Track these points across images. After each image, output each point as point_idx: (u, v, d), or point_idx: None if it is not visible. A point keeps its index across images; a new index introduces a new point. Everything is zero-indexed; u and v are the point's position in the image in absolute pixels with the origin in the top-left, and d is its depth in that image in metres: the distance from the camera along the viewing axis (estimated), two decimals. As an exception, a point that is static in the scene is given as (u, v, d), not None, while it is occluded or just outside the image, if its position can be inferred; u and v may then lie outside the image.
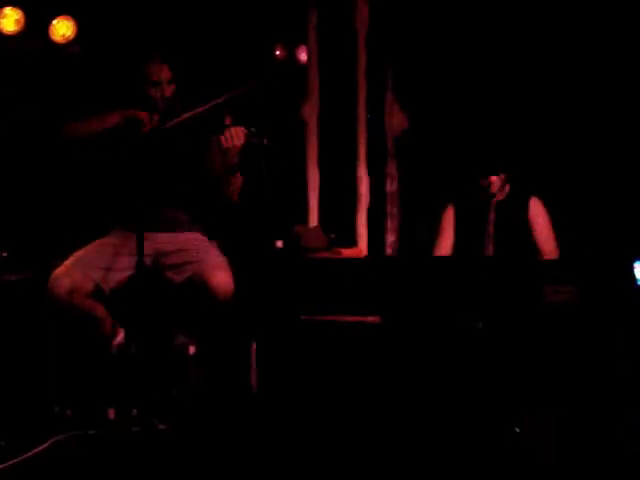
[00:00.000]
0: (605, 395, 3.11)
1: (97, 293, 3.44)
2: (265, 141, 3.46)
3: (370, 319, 3.39)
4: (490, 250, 4.13)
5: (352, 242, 5.00)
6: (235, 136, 3.44)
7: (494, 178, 4.16)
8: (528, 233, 4.16)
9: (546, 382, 3.16)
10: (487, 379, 3.19)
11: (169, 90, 3.55)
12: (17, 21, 4.78)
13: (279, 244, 3.87)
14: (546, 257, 4.08)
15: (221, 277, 3.43)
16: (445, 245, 4.28)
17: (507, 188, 4.24)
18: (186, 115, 3.33)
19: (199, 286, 3.43)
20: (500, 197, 4.22)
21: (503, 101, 4.82)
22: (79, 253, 3.50)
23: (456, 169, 4.63)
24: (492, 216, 4.18)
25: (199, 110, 3.35)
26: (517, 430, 2.83)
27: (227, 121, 3.47)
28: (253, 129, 3.46)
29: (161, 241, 3.56)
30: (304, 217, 5.12)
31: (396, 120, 5.22)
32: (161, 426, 3.31)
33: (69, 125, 3.55)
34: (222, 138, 3.45)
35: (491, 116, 4.85)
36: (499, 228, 4.15)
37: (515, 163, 4.23)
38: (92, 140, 3.50)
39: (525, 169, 4.34)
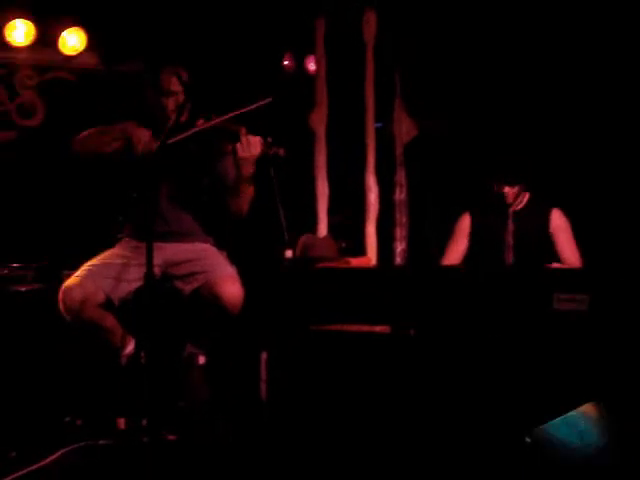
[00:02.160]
0: (616, 403, 3.10)
1: (108, 304, 3.45)
2: (281, 151, 3.46)
3: (380, 329, 3.38)
4: (509, 260, 4.11)
5: (361, 251, 5.00)
6: (252, 146, 3.43)
7: (507, 189, 4.13)
8: (548, 244, 4.13)
9: (556, 390, 3.15)
10: (497, 388, 3.18)
11: (182, 100, 3.56)
12: (28, 33, 4.81)
13: (289, 254, 3.88)
14: (566, 264, 4.06)
15: (231, 287, 3.43)
16: (456, 252, 4.25)
17: (525, 198, 4.21)
18: (202, 127, 3.33)
19: (209, 296, 3.43)
20: (518, 207, 4.19)
21: (515, 106, 4.81)
22: (90, 264, 3.51)
23: (469, 177, 4.61)
24: (511, 226, 4.14)
25: (215, 122, 3.36)
26: (528, 440, 2.81)
27: (242, 130, 3.46)
28: (269, 139, 3.45)
29: (171, 251, 3.56)
30: (313, 226, 5.13)
31: (405, 128, 5.23)
32: (171, 436, 3.31)
33: (78, 139, 3.57)
34: (238, 147, 3.44)
35: (501, 124, 4.83)
36: (518, 238, 4.12)
37: (528, 174, 4.19)
38: (101, 153, 3.51)
39: (542, 179, 4.30)
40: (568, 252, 4.11)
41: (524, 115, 4.78)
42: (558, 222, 4.14)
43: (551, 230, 4.14)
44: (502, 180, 4.11)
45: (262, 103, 3.29)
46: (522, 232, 4.12)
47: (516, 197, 4.15)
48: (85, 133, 3.56)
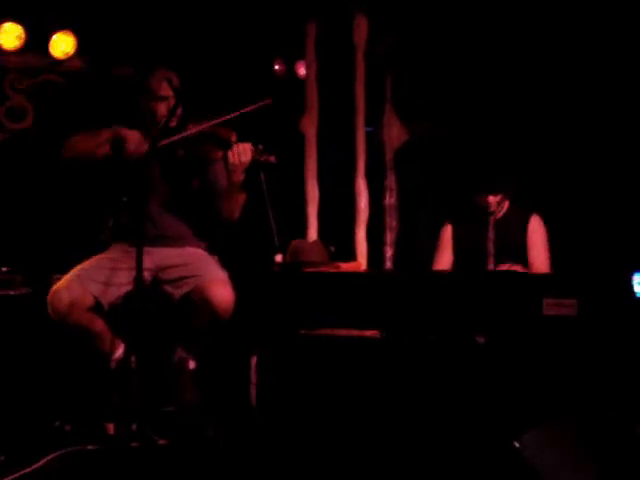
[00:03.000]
0: (605, 406, 3.11)
1: (97, 308, 3.44)
2: (272, 159, 3.46)
3: (369, 333, 3.39)
4: (491, 268, 4.12)
5: (351, 256, 5.00)
6: (243, 153, 3.43)
7: (491, 198, 4.14)
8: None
9: (546, 395, 3.16)
10: (486, 393, 3.19)
11: (173, 104, 3.55)
12: (17, 37, 4.80)
13: (279, 258, 3.88)
14: (534, 272, 4.08)
15: (221, 292, 3.43)
16: (444, 263, 4.28)
17: (505, 205, 4.23)
18: (192, 131, 3.33)
19: (199, 301, 3.43)
20: (499, 215, 4.21)
21: (504, 112, 4.83)
22: (79, 268, 3.50)
23: (453, 186, 4.63)
24: (491, 234, 4.16)
25: (205, 126, 3.36)
26: (516, 445, 2.82)
27: (233, 137, 3.45)
28: (260, 146, 3.45)
29: (161, 256, 3.56)
30: (303, 231, 5.13)
31: (395, 133, 5.23)
32: (160, 441, 3.31)
33: (68, 143, 3.56)
34: (229, 154, 3.44)
35: (490, 128, 4.85)
36: (499, 246, 4.14)
37: (512, 183, 4.21)
38: (91, 157, 3.51)
39: (524, 187, 4.32)
40: (537, 256, 4.12)
41: (513, 121, 4.80)
42: (533, 227, 4.16)
43: (527, 234, 4.16)
44: (485, 190, 4.13)
45: (259, 105, 3.30)
46: (503, 240, 4.14)
47: (498, 205, 4.17)
48: (74, 138, 3.55)
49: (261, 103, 3.32)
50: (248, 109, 3.32)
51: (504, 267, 4.07)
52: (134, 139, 3.48)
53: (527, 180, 4.44)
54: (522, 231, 4.16)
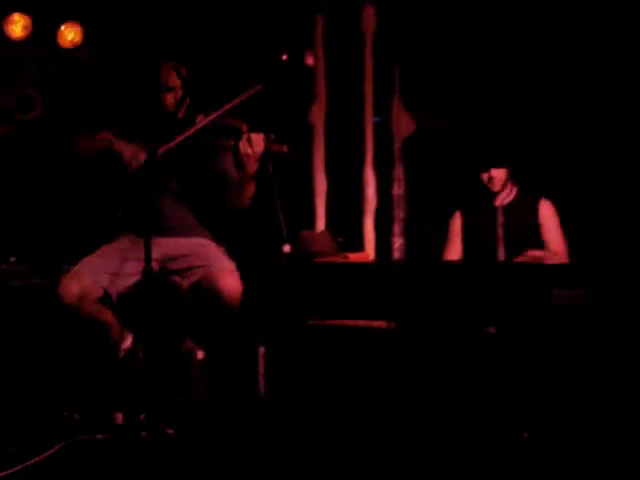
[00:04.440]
0: (613, 399, 3.10)
1: (105, 298, 3.44)
2: (285, 148, 3.44)
3: (378, 324, 3.39)
4: (501, 254, 4.12)
5: (359, 246, 5.00)
6: (255, 143, 3.41)
7: (495, 171, 4.15)
8: (539, 235, 4.15)
9: (555, 387, 3.15)
10: (497, 384, 3.18)
11: (181, 95, 3.54)
12: (25, 27, 4.80)
13: (287, 249, 3.87)
14: (555, 258, 4.07)
15: (229, 282, 3.42)
16: (454, 252, 4.29)
17: (514, 192, 4.24)
18: (199, 125, 3.31)
19: (207, 291, 3.42)
20: (507, 200, 4.22)
21: (513, 103, 4.81)
22: (88, 259, 3.50)
23: (462, 174, 4.62)
24: (500, 220, 4.17)
25: (212, 117, 3.33)
26: (525, 436, 2.82)
27: (244, 127, 3.43)
28: (272, 136, 3.43)
29: (169, 246, 3.56)
30: (311, 221, 5.12)
31: (403, 123, 5.22)
32: (169, 431, 3.31)
33: (82, 140, 3.54)
34: (241, 144, 3.42)
35: (500, 118, 4.84)
36: (508, 232, 4.14)
37: (517, 158, 4.22)
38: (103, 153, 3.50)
39: (533, 172, 4.33)
40: (552, 241, 4.12)
41: (522, 110, 4.78)
42: (545, 211, 4.17)
43: (539, 219, 4.15)
44: (488, 162, 4.13)
45: (252, 92, 3.26)
46: (512, 225, 4.14)
47: (503, 185, 4.17)
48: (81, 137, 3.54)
49: (253, 90, 3.28)
50: (242, 97, 3.28)
51: (526, 254, 4.02)
52: (127, 153, 3.48)
53: (537, 167, 4.44)
54: (532, 215, 4.15)
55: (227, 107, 3.26)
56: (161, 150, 3.11)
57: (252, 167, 3.45)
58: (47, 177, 4.84)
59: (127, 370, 3.39)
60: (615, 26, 4.53)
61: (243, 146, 3.41)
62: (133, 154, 3.47)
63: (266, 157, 3.44)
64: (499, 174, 4.16)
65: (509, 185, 4.23)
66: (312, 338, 3.43)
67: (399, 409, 3.24)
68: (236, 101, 3.25)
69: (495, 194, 4.20)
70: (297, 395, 3.39)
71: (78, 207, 4.78)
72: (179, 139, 3.18)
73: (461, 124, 4.98)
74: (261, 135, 3.42)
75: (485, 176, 4.18)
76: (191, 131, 3.26)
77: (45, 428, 3.43)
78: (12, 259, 4.15)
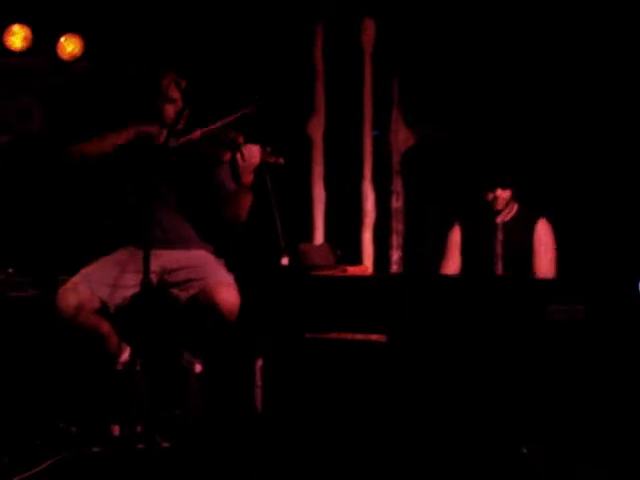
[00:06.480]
0: (611, 412, 3.11)
1: (103, 310, 3.44)
2: (281, 160, 3.45)
3: (375, 337, 3.39)
4: (499, 270, 4.13)
5: (358, 259, 5.00)
6: (251, 154, 3.42)
7: (500, 191, 4.15)
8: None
9: (552, 401, 3.15)
10: (492, 398, 3.18)
11: (181, 108, 3.55)
12: (25, 38, 4.81)
13: (285, 261, 3.87)
14: (540, 276, 4.09)
15: (227, 294, 3.42)
16: (452, 265, 4.29)
17: (514, 208, 4.24)
18: (198, 133, 3.33)
19: (205, 303, 3.42)
20: (507, 217, 4.22)
21: (512, 115, 4.83)
22: (86, 270, 3.50)
23: (462, 187, 4.63)
24: (500, 237, 4.17)
25: (211, 128, 3.35)
26: (524, 451, 2.82)
27: (240, 139, 3.45)
28: (269, 148, 3.45)
29: (168, 258, 3.55)
30: (309, 234, 5.13)
31: (402, 136, 5.23)
32: (165, 444, 3.30)
33: (78, 147, 3.55)
34: (238, 156, 3.43)
35: (499, 133, 4.85)
36: (507, 249, 4.15)
37: (522, 180, 4.23)
38: (101, 159, 3.50)
39: (532, 189, 4.33)
40: (542, 264, 4.13)
41: (521, 124, 4.80)
42: (541, 234, 4.19)
43: (534, 242, 4.16)
44: (495, 182, 4.14)
45: (243, 113, 3.30)
46: (511, 242, 4.15)
47: (506, 204, 4.18)
48: (85, 144, 3.54)
49: (245, 110, 3.32)
50: (232, 117, 3.33)
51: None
52: (156, 132, 3.50)
53: (536, 184, 4.45)
54: (529, 235, 4.16)
55: (220, 123, 3.30)
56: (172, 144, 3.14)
57: (248, 178, 3.46)
58: (45, 188, 4.83)
59: (124, 382, 3.38)
60: (620, 49, 4.55)
61: (240, 158, 3.42)
62: (159, 133, 3.49)
63: (262, 169, 3.45)
64: (504, 194, 4.16)
65: (510, 203, 4.23)
66: (310, 351, 3.43)
67: (396, 422, 3.24)
68: (229, 119, 3.29)
69: (497, 211, 4.20)
70: (294, 408, 3.38)
71: (77, 218, 4.78)
72: (186, 138, 3.21)
73: (460, 137, 5.00)
74: (257, 147, 3.43)
75: (490, 195, 4.17)
76: (193, 137, 3.28)
77: (42, 440, 3.42)
78: (10, 270, 4.14)
